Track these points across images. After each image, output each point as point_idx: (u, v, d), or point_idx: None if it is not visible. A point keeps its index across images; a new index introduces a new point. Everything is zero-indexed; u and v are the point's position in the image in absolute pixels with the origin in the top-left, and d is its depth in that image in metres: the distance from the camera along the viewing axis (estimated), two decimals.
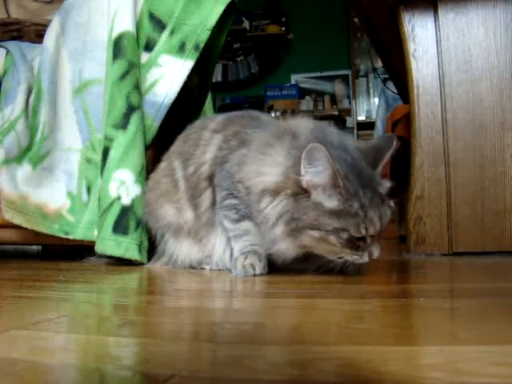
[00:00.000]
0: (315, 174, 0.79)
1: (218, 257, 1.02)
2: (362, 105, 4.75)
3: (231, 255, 0.98)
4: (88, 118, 1.30)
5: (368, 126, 4.36)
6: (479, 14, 1.27)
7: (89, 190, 1.28)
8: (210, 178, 1.00)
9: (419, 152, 1.28)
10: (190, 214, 1.04)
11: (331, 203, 0.80)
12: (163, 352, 0.40)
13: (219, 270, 1.02)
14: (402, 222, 1.79)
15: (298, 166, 0.81)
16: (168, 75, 1.24)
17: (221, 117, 1.09)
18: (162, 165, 1.13)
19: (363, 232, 0.80)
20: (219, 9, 1.24)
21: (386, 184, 0.86)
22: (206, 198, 1.01)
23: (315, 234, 0.81)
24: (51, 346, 0.43)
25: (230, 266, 0.97)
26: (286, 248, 0.85)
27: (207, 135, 1.04)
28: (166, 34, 1.25)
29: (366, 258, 0.83)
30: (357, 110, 4.67)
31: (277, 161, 0.85)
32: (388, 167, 0.88)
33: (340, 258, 0.83)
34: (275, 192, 0.84)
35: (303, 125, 0.92)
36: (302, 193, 0.81)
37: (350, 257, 0.83)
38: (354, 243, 0.81)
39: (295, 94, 4.68)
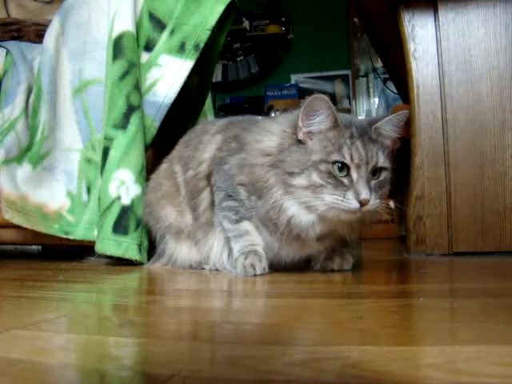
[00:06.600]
0: (316, 124, 0.82)
1: (215, 258, 1.02)
2: (361, 105, 4.74)
3: (229, 256, 0.99)
4: (88, 118, 1.30)
5: None
6: (479, 14, 1.27)
7: (89, 189, 1.28)
8: (208, 177, 1.00)
9: (419, 152, 1.28)
10: (190, 217, 1.04)
11: (323, 142, 0.82)
12: (163, 352, 0.39)
13: (217, 270, 1.02)
14: (402, 222, 1.79)
15: (293, 123, 0.85)
16: (168, 75, 1.24)
17: (222, 120, 1.10)
18: (164, 166, 1.13)
19: (347, 157, 0.79)
20: (219, 9, 1.24)
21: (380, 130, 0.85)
22: (204, 198, 1.01)
23: (303, 181, 0.80)
24: (51, 345, 0.43)
25: (228, 267, 0.98)
26: (294, 210, 0.83)
27: (207, 138, 1.05)
28: (165, 34, 1.25)
29: (352, 199, 0.77)
30: (357, 110, 4.66)
31: (273, 132, 0.88)
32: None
33: (327, 204, 0.79)
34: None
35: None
36: (294, 144, 0.84)
37: (332, 197, 0.78)
38: (337, 178, 0.79)
39: (295, 94, 4.67)
